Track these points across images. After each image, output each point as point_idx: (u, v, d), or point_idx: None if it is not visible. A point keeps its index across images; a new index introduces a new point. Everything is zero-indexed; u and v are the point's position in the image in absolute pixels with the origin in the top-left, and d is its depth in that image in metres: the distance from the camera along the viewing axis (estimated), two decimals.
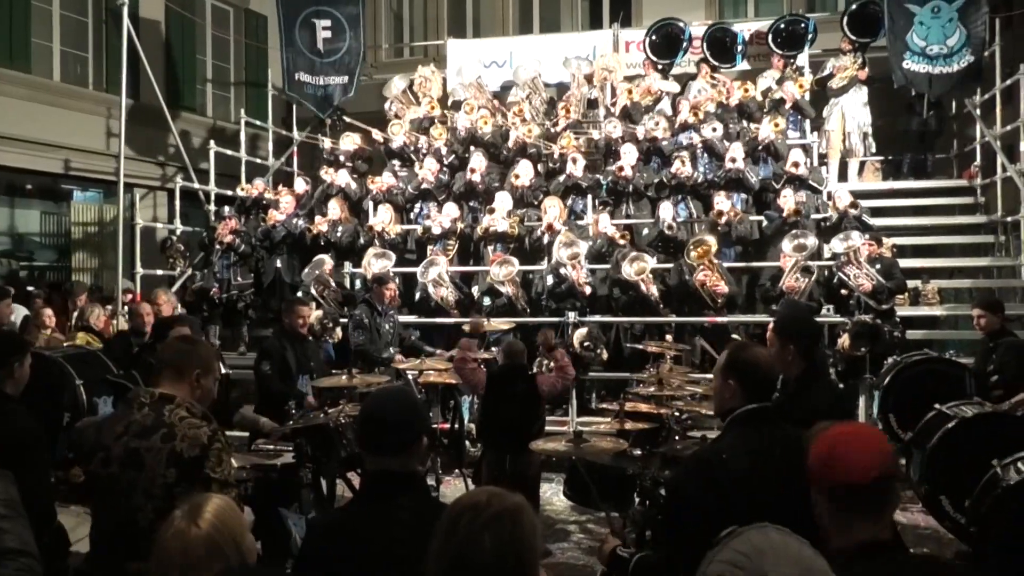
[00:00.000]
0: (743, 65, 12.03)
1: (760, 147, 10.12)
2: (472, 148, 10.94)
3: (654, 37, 11.70)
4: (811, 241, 8.48)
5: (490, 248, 9.67)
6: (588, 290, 8.84)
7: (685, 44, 11.72)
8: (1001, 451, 5.00)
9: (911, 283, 9.56)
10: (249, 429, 5.69)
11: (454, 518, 1.79)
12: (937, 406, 6.06)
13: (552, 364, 6.53)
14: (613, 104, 11.51)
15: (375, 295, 8.00)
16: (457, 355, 6.55)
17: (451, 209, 9.98)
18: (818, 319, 7.88)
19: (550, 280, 9.01)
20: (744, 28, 12.07)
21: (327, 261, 9.60)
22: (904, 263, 9.43)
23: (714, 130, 10.08)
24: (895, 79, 10.94)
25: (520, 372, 6.17)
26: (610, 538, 3.03)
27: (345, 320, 8.66)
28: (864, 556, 1.96)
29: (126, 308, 9.66)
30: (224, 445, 2.97)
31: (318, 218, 10.33)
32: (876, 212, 10.32)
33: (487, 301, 9.22)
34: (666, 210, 9.42)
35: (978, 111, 10.91)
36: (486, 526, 1.74)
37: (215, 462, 2.85)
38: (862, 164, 11.54)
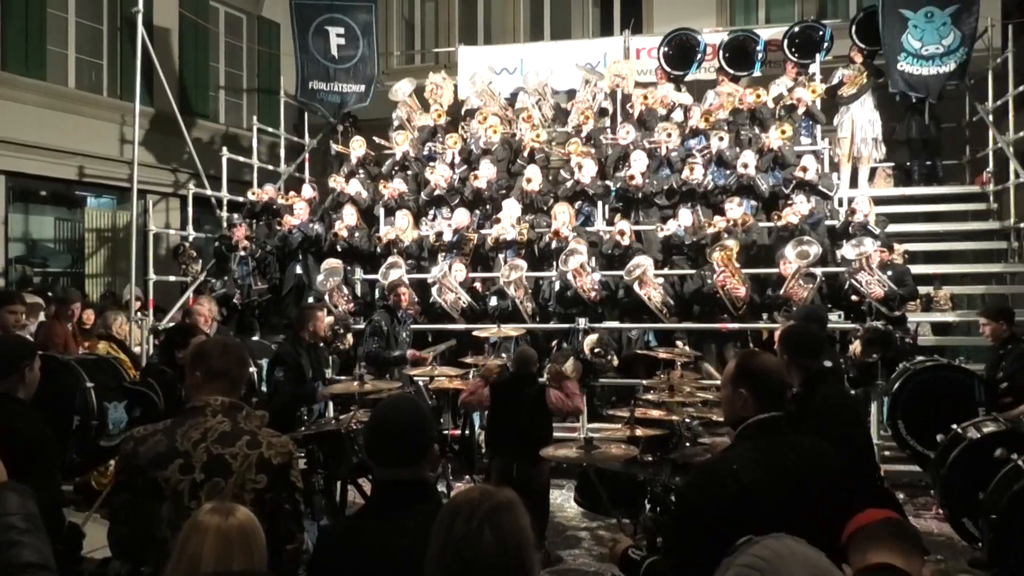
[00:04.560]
0: (755, 72, 12.00)
1: (766, 151, 10.03)
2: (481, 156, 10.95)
3: (667, 48, 11.67)
4: (814, 249, 8.40)
5: (501, 256, 9.69)
6: (595, 295, 8.82)
7: (700, 55, 11.71)
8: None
9: (923, 289, 9.53)
10: None
11: (451, 516, 1.80)
12: (954, 426, 5.86)
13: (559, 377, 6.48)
14: (630, 107, 11.49)
15: (394, 301, 8.04)
16: (466, 393, 6.51)
17: (461, 216, 9.99)
18: (828, 325, 7.86)
19: (557, 286, 9.04)
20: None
21: (341, 268, 9.63)
22: (916, 269, 9.39)
23: (720, 139, 10.06)
24: (891, 84, 10.96)
25: (530, 380, 6.16)
26: (622, 538, 3.01)
27: (358, 327, 8.69)
28: None
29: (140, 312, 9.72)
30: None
31: (338, 224, 10.34)
32: (888, 218, 10.28)
33: (494, 302, 9.23)
34: (685, 216, 9.41)
35: (991, 117, 10.88)
36: (485, 520, 1.76)
37: (297, 472, 2.86)
38: (873, 170, 11.51)
